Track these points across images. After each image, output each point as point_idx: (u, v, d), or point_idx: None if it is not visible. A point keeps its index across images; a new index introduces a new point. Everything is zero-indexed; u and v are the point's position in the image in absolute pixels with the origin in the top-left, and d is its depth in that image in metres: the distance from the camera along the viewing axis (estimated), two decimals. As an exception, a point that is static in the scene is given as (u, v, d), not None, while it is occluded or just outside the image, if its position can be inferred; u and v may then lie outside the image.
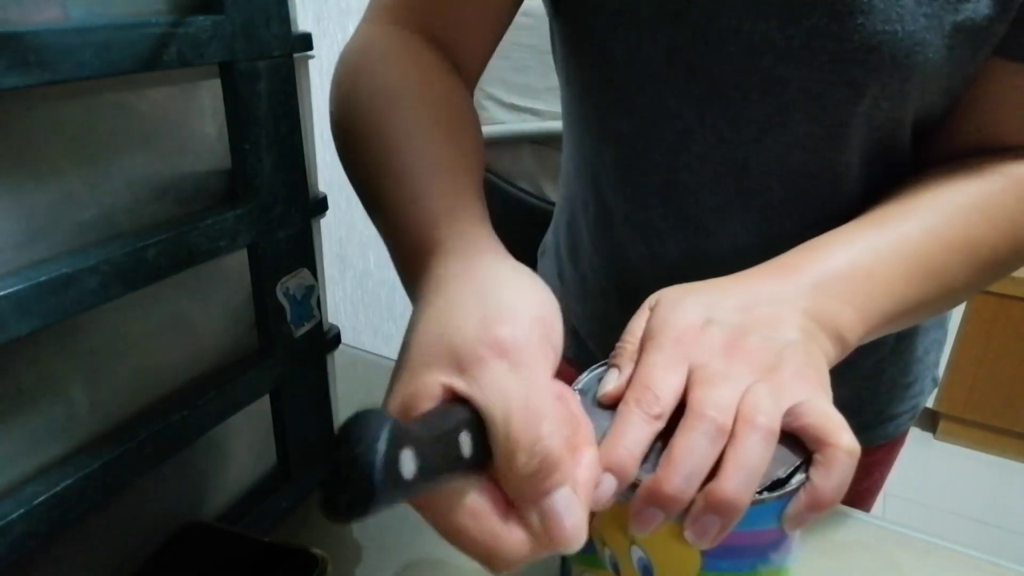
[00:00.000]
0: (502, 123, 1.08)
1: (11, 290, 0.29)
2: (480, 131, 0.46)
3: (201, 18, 0.35)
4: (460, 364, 0.26)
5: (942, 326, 0.65)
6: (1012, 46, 0.42)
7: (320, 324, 0.48)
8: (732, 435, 0.29)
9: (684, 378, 0.31)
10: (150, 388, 0.38)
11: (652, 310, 0.35)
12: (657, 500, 0.28)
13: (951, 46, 0.41)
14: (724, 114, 0.47)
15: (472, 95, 0.51)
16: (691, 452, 0.28)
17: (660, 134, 0.50)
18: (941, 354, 0.67)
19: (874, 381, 0.60)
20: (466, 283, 0.30)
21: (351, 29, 1.42)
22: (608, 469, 0.28)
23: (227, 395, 0.42)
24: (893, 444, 0.66)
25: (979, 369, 2.02)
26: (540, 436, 0.25)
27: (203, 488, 0.44)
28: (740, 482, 0.27)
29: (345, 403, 0.53)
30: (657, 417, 0.29)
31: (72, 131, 0.32)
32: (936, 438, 2.18)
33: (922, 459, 2.10)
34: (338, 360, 0.52)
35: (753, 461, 0.28)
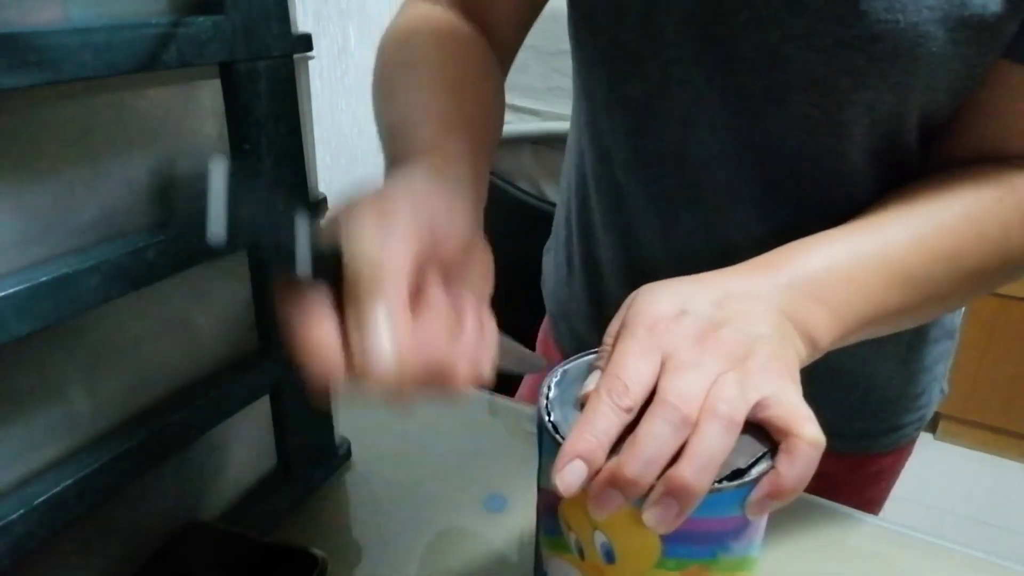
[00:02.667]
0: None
1: (11, 290, 0.29)
2: (497, 93, 0.51)
3: (201, 18, 0.35)
4: (344, 214, 0.30)
5: (952, 337, 0.64)
6: (1020, 48, 0.41)
7: (320, 324, 0.48)
8: (695, 423, 0.29)
9: (656, 367, 0.31)
10: (150, 388, 0.38)
11: (628, 307, 0.35)
12: (617, 483, 0.28)
13: (956, 41, 0.41)
14: (731, 84, 0.48)
15: (510, 60, 0.57)
16: (653, 438, 0.28)
17: (669, 102, 0.51)
18: (949, 365, 0.66)
19: (882, 391, 0.59)
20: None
21: (351, 29, 1.41)
22: (578, 456, 0.29)
23: (227, 395, 0.42)
24: (900, 453, 0.66)
25: (979, 369, 2.02)
26: (375, 259, 0.28)
27: (203, 488, 0.44)
28: (698, 468, 0.28)
29: (345, 403, 0.53)
30: (627, 409, 0.30)
31: (72, 131, 0.32)
32: (936, 438, 2.18)
33: (922, 459, 2.08)
34: (338, 360, 0.52)
35: (712, 449, 0.28)
